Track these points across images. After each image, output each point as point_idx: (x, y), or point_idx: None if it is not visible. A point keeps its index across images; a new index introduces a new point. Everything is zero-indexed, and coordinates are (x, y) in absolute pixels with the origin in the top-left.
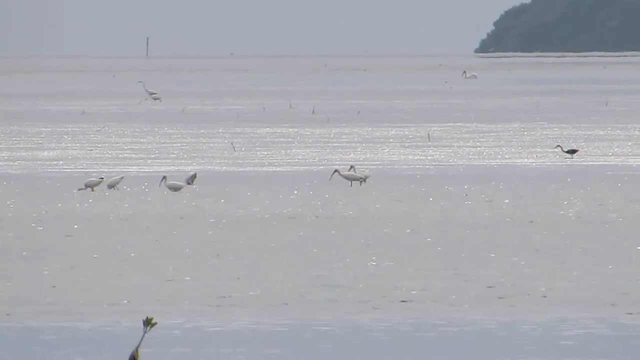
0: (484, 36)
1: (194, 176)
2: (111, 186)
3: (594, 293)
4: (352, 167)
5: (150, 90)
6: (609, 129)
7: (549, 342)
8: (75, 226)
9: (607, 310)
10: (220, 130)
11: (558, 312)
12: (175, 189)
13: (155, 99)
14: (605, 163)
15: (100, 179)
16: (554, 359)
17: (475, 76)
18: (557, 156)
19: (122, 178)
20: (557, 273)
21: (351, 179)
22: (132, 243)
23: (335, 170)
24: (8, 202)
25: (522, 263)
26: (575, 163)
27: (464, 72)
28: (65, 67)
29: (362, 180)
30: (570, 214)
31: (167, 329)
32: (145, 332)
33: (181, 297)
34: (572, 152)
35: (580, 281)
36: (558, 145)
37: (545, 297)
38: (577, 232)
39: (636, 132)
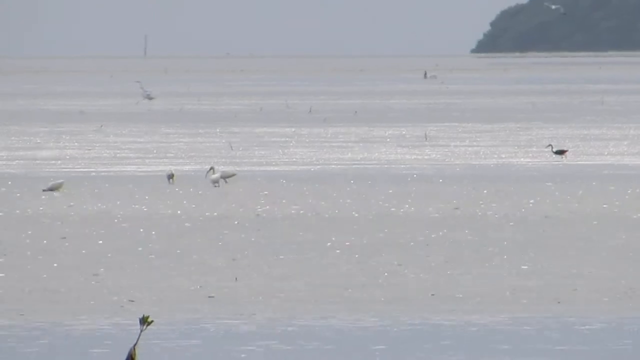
0: (480, 36)
1: (171, 175)
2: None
3: (592, 292)
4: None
5: (146, 89)
6: (605, 128)
7: (525, 341)
8: (66, 229)
9: (609, 307)
10: (218, 130)
11: (549, 311)
12: None
13: (150, 99)
14: (602, 162)
15: None
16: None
17: (435, 77)
18: (552, 156)
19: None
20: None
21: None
22: (118, 243)
23: (171, 174)
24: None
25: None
26: (571, 162)
27: (425, 72)
28: (63, 67)
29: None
30: (562, 213)
31: (163, 328)
32: (141, 331)
33: (174, 296)
34: (561, 152)
35: (570, 279)
36: (549, 145)
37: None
38: (556, 229)
39: (632, 131)
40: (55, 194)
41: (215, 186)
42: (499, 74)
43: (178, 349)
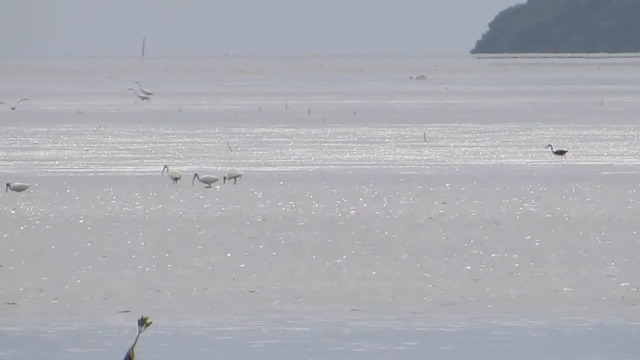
0: (480, 37)
1: (178, 177)
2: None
3: (592, 294)
4: (165, 167)
5: (145, 90)
6: (605, 129)
7: (538, 344)
8: (63, 229)
9: (605, 310)
10: (217, 130)
11: (549, 314)
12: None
13: (144, 99)
14: (601, 163)
15: None
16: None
17: (423, 77)
18: (552, 156)
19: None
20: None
21: (173, 176)
22: (121, 243)
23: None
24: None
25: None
26: (570, 163)
27: (410, 77)
28: (61, 67)
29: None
30: (561, 214)
31: (161, 329)
32: (140, 332)
33: (173, 297)
34: (561, 152)
35: (572, 282)
36: (549, 145)
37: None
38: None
39: (631, 132)
40: (22, 194)
41: (207, 187)
42: (498, 75)
43: (177, 350)
